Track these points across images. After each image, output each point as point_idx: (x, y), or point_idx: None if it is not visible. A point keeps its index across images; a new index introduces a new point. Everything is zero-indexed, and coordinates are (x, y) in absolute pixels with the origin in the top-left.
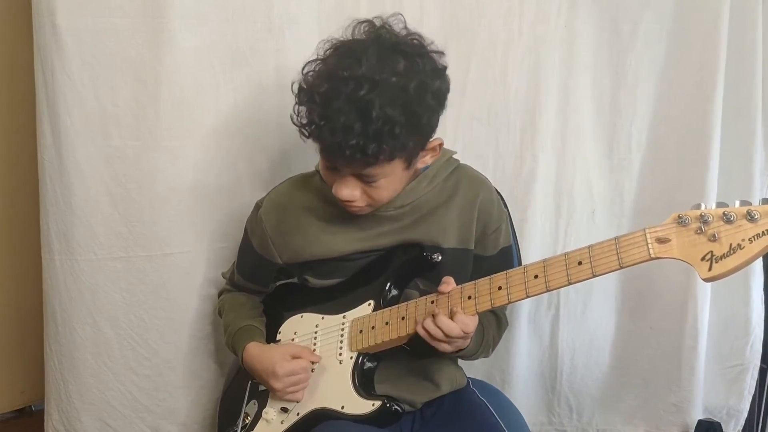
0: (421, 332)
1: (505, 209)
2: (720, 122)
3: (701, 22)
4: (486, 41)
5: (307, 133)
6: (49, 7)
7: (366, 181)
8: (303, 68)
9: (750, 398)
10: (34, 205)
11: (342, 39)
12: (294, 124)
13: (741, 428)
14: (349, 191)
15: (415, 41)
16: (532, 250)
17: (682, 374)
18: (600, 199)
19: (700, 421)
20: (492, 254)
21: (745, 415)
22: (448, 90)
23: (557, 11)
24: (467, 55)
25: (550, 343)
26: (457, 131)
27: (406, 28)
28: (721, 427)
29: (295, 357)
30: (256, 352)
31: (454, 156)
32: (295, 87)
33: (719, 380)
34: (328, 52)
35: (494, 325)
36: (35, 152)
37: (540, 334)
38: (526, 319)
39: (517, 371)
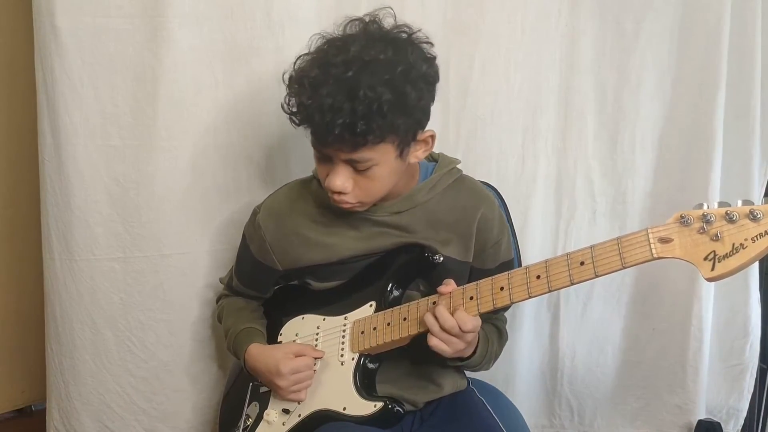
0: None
1: (508, 223)
2: (722, 122)
3: (704, 22)
4: (488, 40)
5: (297, 120)
6: (48, 7)
7: (359, 169)
8: (294, 62)
9: (749, 397)
10: (34, 205)
11: (333, 35)
12: (285, 112)
13: (740, 428)
14: (342, 181)
15: (403, 33)
16: (533, 250)
17: (687, 376)
18: (602, 200)
19: (700, 421)
20: (491, 268)
21: (745, 414)
22: (437, 76)
23: (559, 10)
24: (470, 55)
25: (551, 345)
26: (460, 131)
27: (395, 20)
28: (721, 427)
29: (297, 355)
30: (258, 352)
31: (458, 166)
32: (287, 78)
33: (720, 380)
34: (318, 45)
35: (496, 338)
36: (35, 152)
37: (541, 336)
38: (528, 320)
39: (518, 372)
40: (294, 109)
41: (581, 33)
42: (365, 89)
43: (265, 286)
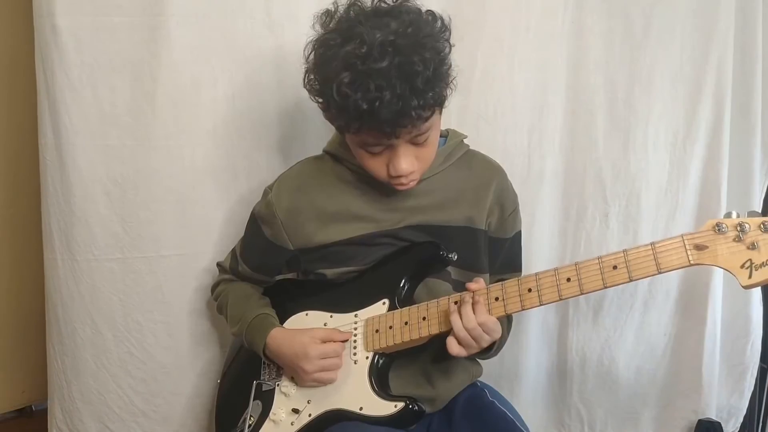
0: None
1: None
2: (729, 122)
3: (713, 20)
4: (491, 38)
5: (358, 125)
6: (48, 7)
7: (418, 142)
8: (312, 76)
9: (749, 396)
10: (35, 205)
11: (333, 24)
12: (339, 126)
13: (739, 427)
14: (409, 162)
15: (388, 2)
16: (541, 251)
17: (703, 379)
18: (614, 202)
19: (700, 421)
20: (509, 236)
21: (744, 413)
22: (447, 25)
23: (564, 6)
24: (472, 53)
25: (560, 352)
26: (463, 130)
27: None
28: (721, 427)
29: (324, 340)
30: (284, 336)
31: (465, 140)
32: (321, 96)
33: (722, 380)
34: (328, 46)
35: (506, 324)
36: (35, 152)
37: (549, 343)
38: (535, 328)
39: (526, 381)
40: (350, 116)
41: (588, 29)
42: (415, 65)
43: (274, 269)
